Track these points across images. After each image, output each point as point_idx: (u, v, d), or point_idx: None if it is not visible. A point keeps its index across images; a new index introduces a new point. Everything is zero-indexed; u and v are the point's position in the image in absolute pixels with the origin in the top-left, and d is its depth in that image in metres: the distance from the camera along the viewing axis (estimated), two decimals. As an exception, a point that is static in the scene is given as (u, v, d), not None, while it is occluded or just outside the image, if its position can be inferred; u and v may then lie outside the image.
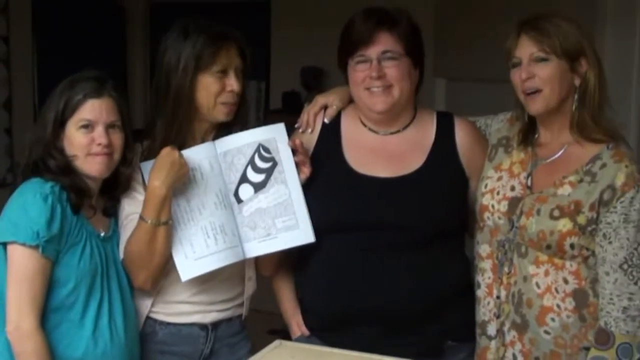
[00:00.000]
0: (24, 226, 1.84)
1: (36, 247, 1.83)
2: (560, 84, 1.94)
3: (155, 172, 1.95)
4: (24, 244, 1.83)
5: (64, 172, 1.93)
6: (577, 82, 1.96)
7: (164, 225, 1.96)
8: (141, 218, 1.96)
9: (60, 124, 1.94)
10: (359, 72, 2.05)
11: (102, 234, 2.01)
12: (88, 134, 1.94)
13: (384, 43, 2.03)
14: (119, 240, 2.05)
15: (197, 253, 2.01)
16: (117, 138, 1.98)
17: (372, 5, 2.09)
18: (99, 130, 1.95)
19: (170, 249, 2.00)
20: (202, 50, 2.02)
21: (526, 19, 1.98)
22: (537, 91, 1.95)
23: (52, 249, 1.86)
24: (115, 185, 2.04)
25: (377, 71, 2.02)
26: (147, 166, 2.01)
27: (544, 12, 1.99)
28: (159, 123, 2.06)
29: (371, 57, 2.03)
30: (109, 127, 1.96)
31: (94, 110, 1.95)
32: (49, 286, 1.88)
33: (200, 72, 2.03)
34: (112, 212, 2.06)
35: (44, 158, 1.94)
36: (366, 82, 2.04)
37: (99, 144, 1.94)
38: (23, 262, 1.84)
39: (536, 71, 1.94)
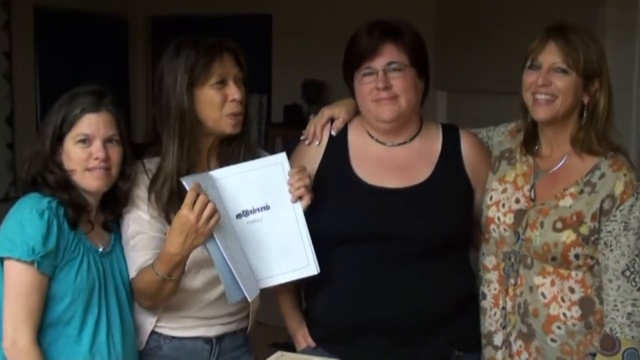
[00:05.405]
0: (19, 242, 1.83)
1: (32, 262, 1.82)
2: (572, 98, 1.96)
3: (173, 238, 1.89)
4: (19, 260, 1.82)
5: (62, 187, 1.92)
6: (585, 100, 1.97)
7: (175, 279, 1.94)
8: (152, 267, 1.93)
9: (59, 138, 1.94)
10: (366, 84, 2.05)
11: (101, 249, 1.99)
12: (86, 148, 1.93)
13: (388, 54, 2.04)
14: (123, 256, 2.02)
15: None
16: (115, 153, 1.97)
17: (374, 18, 2.10)
18: (97, 144, 1.93)
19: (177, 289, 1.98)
20: (194, 63, 1.97)
21: (556, 26, 1.98)
22: (548, 98, 1.95)
23: (48, 265, 1.85)
24: (115, 200, 2.03)
25: (384, 82, 2.02)
26: (188, 181, 1.91)
27: (572, 23, 1.98)
28: (166, 143, 2.01)
29: (377, 68, 2.03)
30: (106, 141, 1.95)
31: (91, 124, 1.94)
32: (46, 301, 1.87)
33: (197, 86, 1.99)
34: (112, 227, 2.05)
35: (42, 173, 1.93)
36: (373, 94, 2.04)
37: (96, 159, 1.93)
38: (19, 277, 1.83)
39: (554, 80, 1.95)
